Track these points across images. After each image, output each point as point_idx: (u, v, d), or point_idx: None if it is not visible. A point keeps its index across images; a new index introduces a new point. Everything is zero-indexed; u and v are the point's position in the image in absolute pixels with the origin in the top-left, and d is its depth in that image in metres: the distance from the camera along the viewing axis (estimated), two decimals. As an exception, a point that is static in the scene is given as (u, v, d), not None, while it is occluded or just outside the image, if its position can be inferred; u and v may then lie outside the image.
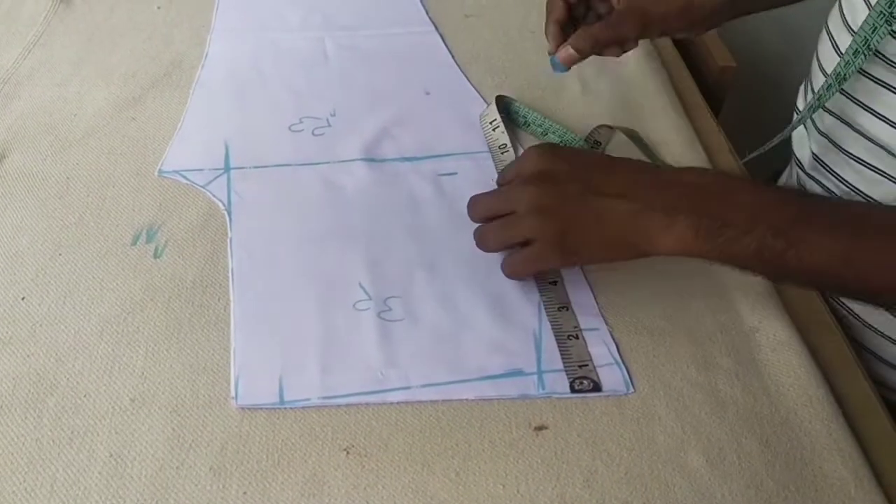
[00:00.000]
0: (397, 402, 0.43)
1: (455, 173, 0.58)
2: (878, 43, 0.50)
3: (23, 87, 0.64)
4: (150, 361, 0.45)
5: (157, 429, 0.41)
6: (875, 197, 0.55)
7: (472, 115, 0.63)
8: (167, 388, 0.43)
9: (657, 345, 0.47)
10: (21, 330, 0.46)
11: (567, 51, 0.58)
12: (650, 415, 0.43)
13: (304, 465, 0.40)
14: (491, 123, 0.61)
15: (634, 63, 0.69)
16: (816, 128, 0.59)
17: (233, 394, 0.43)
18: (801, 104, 0.64)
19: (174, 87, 0.65)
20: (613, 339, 0.47)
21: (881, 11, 0.49)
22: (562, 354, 0.46)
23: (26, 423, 0.41)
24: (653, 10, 0.57)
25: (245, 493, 0.39)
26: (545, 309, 0.48)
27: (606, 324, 0.48)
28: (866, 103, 0.54)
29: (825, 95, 0.54)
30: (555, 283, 0.50)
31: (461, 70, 0.69)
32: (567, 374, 0.45)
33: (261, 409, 0.43)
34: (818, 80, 0.58)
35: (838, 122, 0.56)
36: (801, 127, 0.62)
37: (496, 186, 0.50)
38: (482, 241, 0.49)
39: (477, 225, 0.49)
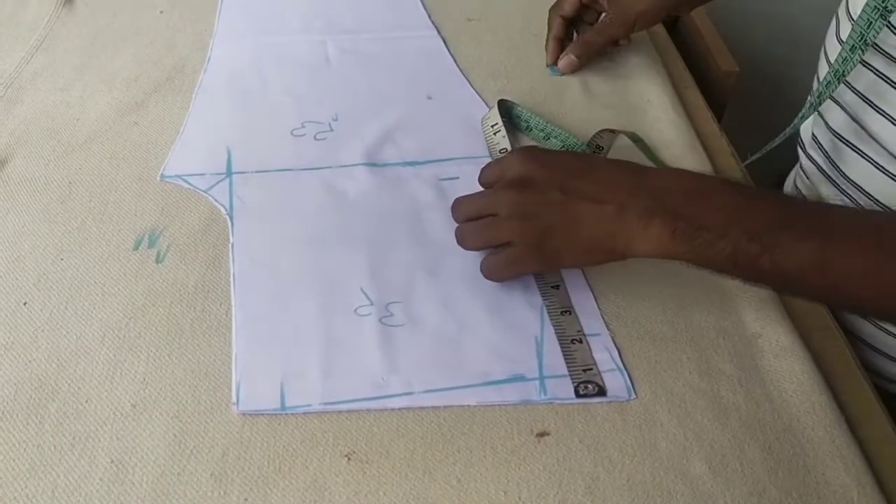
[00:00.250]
0: (399, 408, 0.43)
1: (457, 178, 0.58)
2: (875, 37, 0.50)
3: (25, 91, 0.64)
4: (151, 367, 0.45)
5: (158, 435, 0.41)
6: (880, 199, 0.55)
7: (474, 120, 0.63)
8: (168, 394, 0.43)
9: (659, 351, 0.47)
10: (23, 335, 0.46)
11: (568, 59, 0.65)
12: (652, 421, 0.43)
13: (306, 471, 0.40)
14: (492, 127, 0.61)
15: (637, 67, 0.69)
16: (827, 125, 0.59)
17: (234, 399, 0.43)
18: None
19: (176, 91, 0.65)
20: (615, 345, 0.47)
21: (875, 6, 0.49)
22: (566, 359, 0.46)
23: (28, 428, 0.41)
24: (635, 10, 0.65)
25: (246, 499, 0.39)
26: (548, 313, 0.48)
27: (608, 329, 0.48)
28: (872, 100, 0.54)
29: (825, 92, 0.54)
30: (557, 287, 0.50)
31: (463, 74, 0.69)
32: (572, 379, 0.45)
33: (262, 414, 0.43)
34: (822, 74, 0.58)
35: (849, 119, 0.56)
36: (811, 125, 0.62)
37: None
38: (462, 240, 0.49)
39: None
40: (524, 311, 0.49)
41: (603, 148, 0.59)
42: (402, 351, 0.46)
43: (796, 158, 0.66)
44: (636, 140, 0.59)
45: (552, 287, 0.50)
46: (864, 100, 0.54)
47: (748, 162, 0.63)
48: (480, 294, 0.49)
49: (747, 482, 0.41)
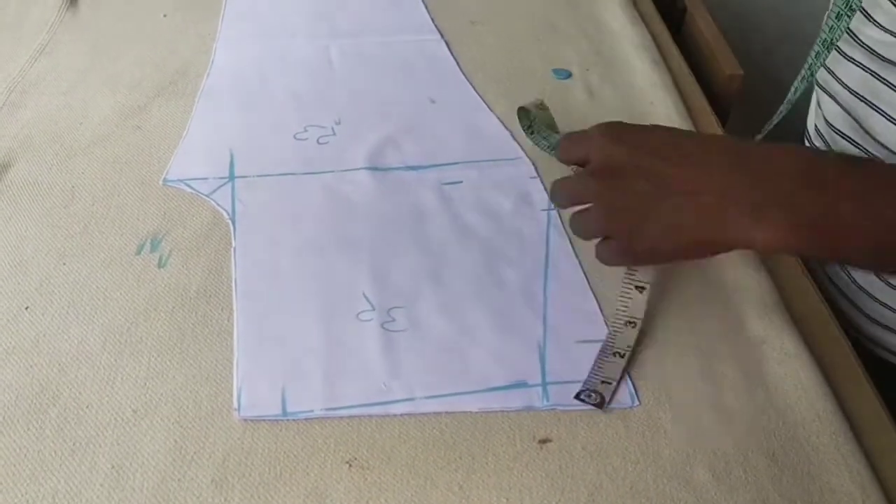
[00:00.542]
0: (400, 414, 0.43)
1: (460, 182, 0.58)
2: (860, 3, 0.49)
3: (28, 95, 0.64)
4: (152, 372, 0.45)
5: (159, 440, 0.41)
6: None
7: (478, 124, 0.63)
8: (169, 400, 0.43)
9: (663, 357, 0.46)
10: (24, 340, 0.46)
11: None
12: (656, 428, 0.43)
13: (307, 477, 0.40)
14: (528, 129, 0.60)
15: (640, 70, 0.69)
16: (826, 119, 0.59)
17: (235, 405, 0.43)
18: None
19: (179, 95, 0.65)
20: (619, 351, 0.47)
21: None
22: (595, 367, 0.45)
23: (28, 434, 0.41)
24: None
25: (247, 506, 0.39)
26: (612, 318, 0.47)
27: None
28: (864, 96, 0.54)
29: (815, 62, 0.53)
30: (642, 289, 0.46)
31: (466, 78, 0.68)
32: (583, 384, 0.44)
33: (263, 420, 0.43)
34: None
35: (844, 113, 0.57)
36: (813, 117, 0.62)
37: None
38: (574, 231, 0.47)
39: None
40: (527, 316, 0.48)
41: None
42: (404, 356, 0.46)
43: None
44: (543, 108, 0.57)
45: (637, 288, 0.46)
46: (856, 95, 0.55)
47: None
48: (483, 299, 0.49)
49: (751, 490, 0.40)
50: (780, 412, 0.44)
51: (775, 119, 0.58)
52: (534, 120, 0.60)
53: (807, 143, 0.64)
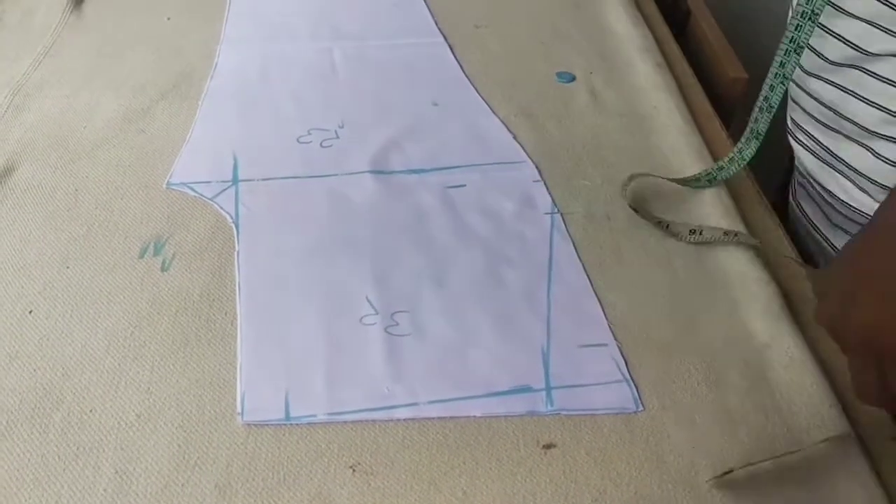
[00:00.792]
0: (404, 419, 0.43)
1: (463, 185, 0.58)
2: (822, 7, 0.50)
3: (32, 98, 0.64)
4: (156, 376, 0.45)
5: (162, 445, 0.41)
6: (872, 175, 0.55)
7: (481, 127, 0.63)
8: (173, 404, 0.43)
9: (667, 362, 0.46)
10: (28, 344, 0.46)
11: None
12: (660, 433, 0.43)
13: (310, 482, 0.40)
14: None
15: (644, 74, 0.69)
16: (805, 111, 0.60)
17: (238, 410, 0.43)
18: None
19: (183, 98, 0.65)
20: (622, 356, 0.46)
21: None
22: None
23: (32, 438, 0.41)
24: None
25: (250, 511, 0.39)
26: None
27: (615, 339, 0.47)
28: (839, 83, 0.54)
29: (786, 60, 0.53)
30: None
31: (470, 81, 0.68)
32: None
33: (266, 425, 0.42)
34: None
35: (818, 105, 0.57)
36: (789, 112, 0.63)
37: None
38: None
39: None
40: (530, 320, 0.48)
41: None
42: (408, 361, 0.46)
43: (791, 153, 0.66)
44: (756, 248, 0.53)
45: None
46: (826, 82, 0.55)
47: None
48: (486, 304, 0.49)
49: (755, 496, 0.40)
50: (785, 417, 0.44)
51: (755, 116, 0.57)
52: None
53: (791, 142, 0.64)
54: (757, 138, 0.56)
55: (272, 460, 0.41)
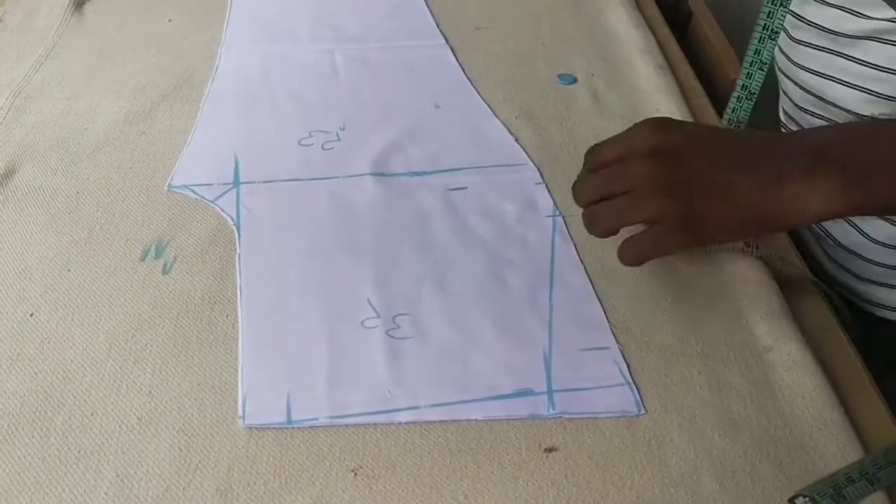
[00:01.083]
0: (405, 423, 0.43)
1: (465, 188, 0.58)
2: None
3: (33, 100, 0.64)
4: (157, 379, 0.44)
5: (163, 448, 0.41)
6: None
7: (482, 129, 0.63)
8: (174, 407, 0.43)
9: (669, 365, 0.46)
10: (29, 347, 0.46)
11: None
12: (662, 437, 0.43)
13: (312, 486, 0.40)
14: None
15: (645, 75, 0.69)
16: (791, 101, 0.61)
17: (240, 413, 0.43)
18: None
19: (184, 100, 0.65)
20: (624, 359, 0.46)
21: None
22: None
23: (33, 441, 0.41)
24: None
25: (252, 514, 0.39)
26: None
27: (617, 343, 0.47)
28: (820, 71, 0.55)
29: (760, 48, 0.53)
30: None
31: (471, 83, 0.68)
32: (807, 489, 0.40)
33: (268, 428, 0.42)
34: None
35: (804, 93, 0.58)
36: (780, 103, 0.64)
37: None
38: (596, 222, 0.45)
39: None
40: (532, 323, 0.48)
41: None
42: (409, 364, 0.46)
43: None
44: None
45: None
46: (812, 72, 0.56)
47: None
48: (488, 307, 0.49)
49: (758, 499, 0.40)
50: (787, 420, 0.44)
51: (733, 106, 0.57)
52: None
53: (783, 131, 0.64)
54: (738, 127, 0.56)
55: (273, 464, 0.41)
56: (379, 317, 0.48)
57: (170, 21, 0.75)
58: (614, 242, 0.46)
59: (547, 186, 0.58)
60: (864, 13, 0.50)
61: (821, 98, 0.56)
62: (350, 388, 0.44)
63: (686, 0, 0.82)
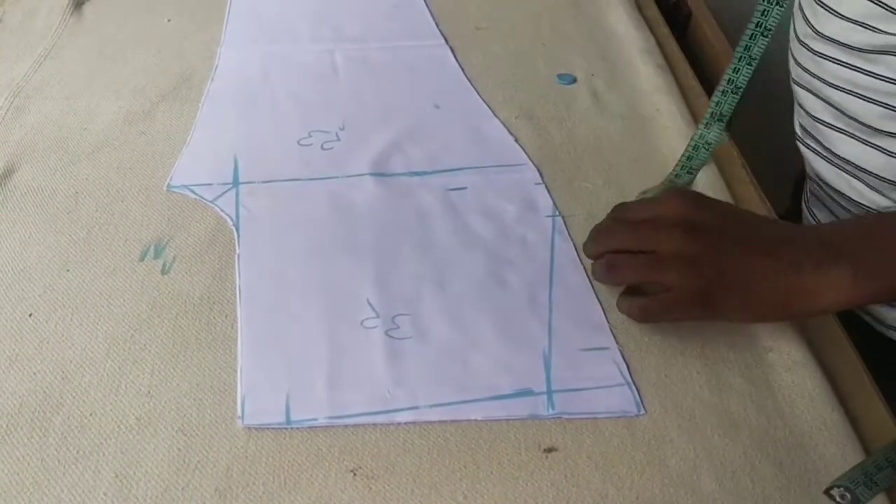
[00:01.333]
0: (405, 423, 0.43)
1: (465, 188, 0.58)
2: None
3: (33, 100, 0.64)
4: (156, 379, 0.44)
5: (162, 449, 0.41)
6: (873, 170, 0.55)
7: (482, 129, 0.63)
8: (173, 408, 0.43)
9: (669, 365, 0.46)
10: (28, 347, 0.46)
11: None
12: (662, 437, 0.43)
13: (311, 486, 0.40)
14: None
15: (645, 76, 0.69)
16: (806, 112, 0.60)
17: (239, 413, 0.43)
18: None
19: (184, 100, 0.65)
20: (624, 359, 0.46)
21: None
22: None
23: (32, 442, 0.41)
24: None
25: (251, 515, 0.39)
26: None
27: (617, 343, 0.47)
28: (836, 83, 0.55)
29: (751, 44, 0.54)
30: None
31: (471, 83, 0.68)
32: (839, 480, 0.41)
33: (267, 429, 0.42)
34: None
35: (822, 102, 0.57)
36: (796, 115, 0.63)
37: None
38: (616, 272, 0.47)
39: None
40: (532, 323, 0.48)
41: None
42: (409, 364, 0.46)
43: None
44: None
45: None
46: (831, 86, 0.55)
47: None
48: (487, 307, 0.49)
49: (758, 499, 0.40)
50: (787, 420, 0.44)
51: (717, 99, 0.57)
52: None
53: (798, 144, 0.64)
54: (720, 120, 0.56)
55: (273, 464, 0.41)
56: (378, 317, 0.48)
57: (169, 21, 0.75)
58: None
59: (547, 186, 0.58)
60: (878, 27, 0.50)
61: (842, 112, 0.55)
62: (349, 389, 0.44)
63: (686, 0, 0.82)
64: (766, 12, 0.51)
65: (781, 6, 0.50)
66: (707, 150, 0.57)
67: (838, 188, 0.59)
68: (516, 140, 0.62)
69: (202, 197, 0.56)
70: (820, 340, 0.48)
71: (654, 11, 0.81)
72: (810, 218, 0.65)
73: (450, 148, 0.61)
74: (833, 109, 0.56)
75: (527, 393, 0.44)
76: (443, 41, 0.73)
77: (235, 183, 0.57)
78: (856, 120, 0.54)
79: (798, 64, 0.59)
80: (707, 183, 0.57)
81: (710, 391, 0.45)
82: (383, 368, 0.45)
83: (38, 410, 0.43)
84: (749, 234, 0.45)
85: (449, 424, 0.43)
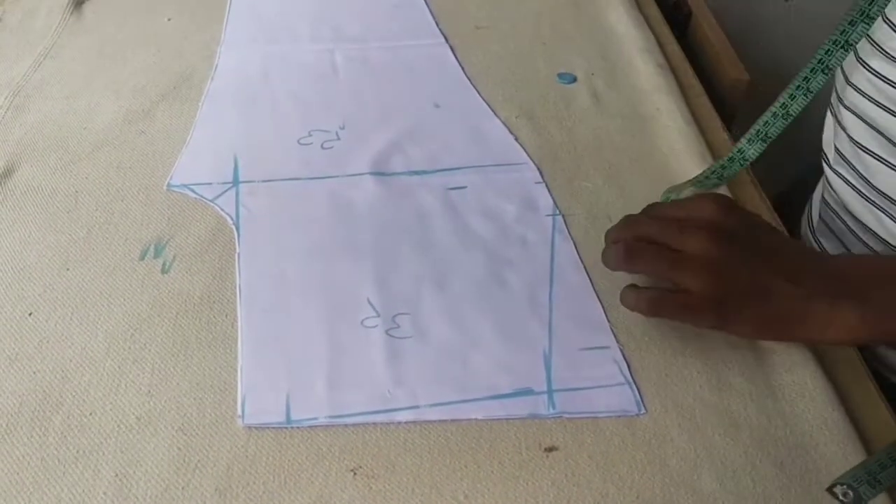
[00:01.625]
0: (405, 422, 0.43)
1: (465, 187, 0.58)
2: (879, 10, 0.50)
3: (32, 99, 0.64)
4: (156, 378, 0.44)
5: (162, 448, 0.41)
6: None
7: (482, 129, 0.63)
8: (173, 407, 0.43)
9: (669, 364, 0.46)
10: (28, 346, 0.46)
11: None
12: (662, 436, 0.43)
13: (311, 486, 0.40)
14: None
15: (645, 75, 0.69)
16: (850, 137, 0.58)
17: (239, 413, 0.43)
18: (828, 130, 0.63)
19: (184, 100, 0.65)
20: (624, 358, 0.46)
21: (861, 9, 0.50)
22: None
23: (31, 441, 0.41)
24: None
25: (251, 514, 0.39)
26: None
27: (617, 342, 0.47)
28: (891, 108, 0.53)
29: (826, 58, 0.53)
30: None
31: (471, 83, 0.68)
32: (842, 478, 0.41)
33: (267, 428, 0.42)
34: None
35: (869, 129, 0.56)
36: (833, 138, 0.61)
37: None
38: (635, 258, 0.46)
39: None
40: (532, 323, 0.48)
41: None
42: (409, 363, 0.46)
43: (820, 172, 0.65)
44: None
45: None
46: (881, 108, 0.54)
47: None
48: (488, 306, 0.49)
49: (759, 499, 0.40)
50: (788, 420, 0.44)
51: (766, 119, 0.56)
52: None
53: (825, 166, 0.62)
54: (764, 141, 0.55)
55: (273, 463, 0.41)
56: (379, 316, 0.48)
57: (169, 20, 0.75)
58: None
59: (547, 186, 0.58)
60: None
61: (890, 140, 0.53)
62: (350, 388, 0.44)
63: (686, 0, 0.82)
64: (829, 52, 0.51)
65: (846, 50, 0.50)
66: (742, 164, 0.57)
67: (864, 221, 0.57)
68: (516, 139, 0.62)
69: (202, 196, 0.56)
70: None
71: (654, 11, 0.81)
72: (815, 246, 0.64)
73: (450, 147, 0.61)
74: (881, 138, 0.54)
75: (527, 392, 0.44)
76: (443, 40, 0.73)
77: (235, 182, 0.57)
78: None
79: (850, 84, 0.57)
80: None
81: (710, 390, 0.45)
82: (384, 368, 0.45)
83: (38, 409, 0.43)
84: (775, 252, 0.45)
85: (449, 424, 0.43)
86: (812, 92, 0.52)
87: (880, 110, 0.54)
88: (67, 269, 0.50)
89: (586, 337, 0.48)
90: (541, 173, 0.59)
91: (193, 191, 0.56)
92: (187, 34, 0.73)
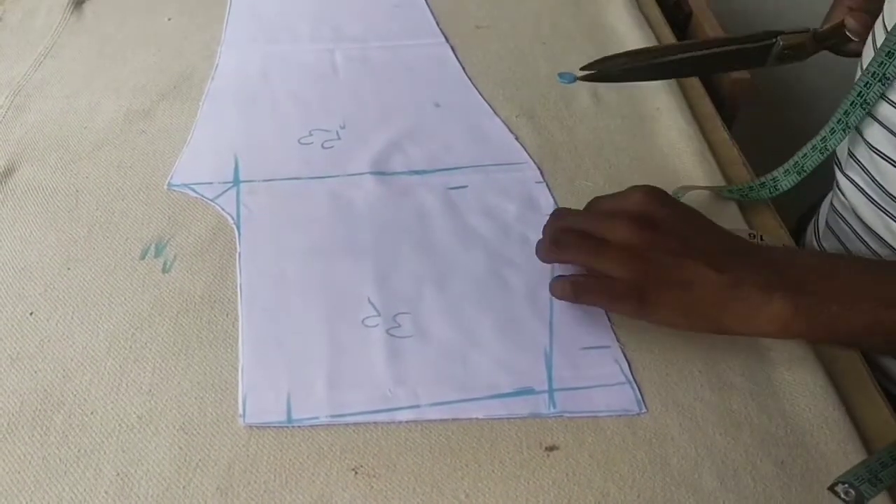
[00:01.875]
0: (406, 421, 0.43)
1: (465, 186, 0.58)
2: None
3: (33, 99, 0.64)
4: (157, 378, 0.44)
5: (163, 447, 0.41)
6: None
7: (483, 128, 0.63)
8: (174, 406, 0.43)
9: (670, 364, 0.46)
10: (29, 345, 0.46)
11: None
12: (663, 435, 0.43)
13: (312, 485, 0.40)
14: None
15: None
16: (867, 143, 0.56)
17: (240, 412, 0.43)
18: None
19: (184, 99, 0.65)
20: (625, 357, 0.46)
21: None
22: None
23: (33, 440, 0.41)
24: None
25: (252, 513, 0.39)
26: None
27: (618, 341, 0.47)
28: None
29: (865, 91, 0.52)
30: None
31: (471, 82, 0.68)
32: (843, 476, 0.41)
33: (268, 427, 0.42)
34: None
35: (890, 135, 0.54)
36: (847, 143, 0.61)
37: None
38: (558, 248, 0.47)
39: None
40: (533, 322, 0.48)
41: None
42: (410, 363, 0.46)
43: (832, 178, 0.64)
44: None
45: None
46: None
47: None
48: (488, 305, 0.49)
49: (759, 498, 0.40)
50: (789, 419, 0.44)
51: (804, 152, 0.55)
52: None
53: (836, 171, 0.62)
54: (799, 173, 0.55)
55: (274, 463, 0.41)
56: (379, 315, 0.48)
57: (169, 20, 0.75)
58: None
59: (547, 185, 0.58)
60: None
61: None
62: (350, 387, 0.44)
63: (686, 0, 0.82)
64: (868, 85, 0.51)
65: (884, 84, 0.49)
66: (772, 193, 0.56)
67: (873, 227, 0.56)
68: (517, 138, 0.62)
69: (203, 195, 0.56)
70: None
71: (654, 11, 0.81)
72: (816, 248, 0.64)
73: (450, 147, 0.61)
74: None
75: (528, 391, 0.44)
76: (443, 40, 0.73)
77: (236, 181, 0.57)
78: None
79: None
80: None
81: (711, 389, 0.45)
82: (384, 367, 0.45)
83: (40, 409, 0.43)
84: (701, 240, 0.45)
85: (450, 423, 0.43)
86: (850, 127, 0.52)
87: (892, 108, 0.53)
88: (68, 269, 0.50)
89: (587, 336, 0.48)
90: (541, 172, 0.59)
91: (194, 190, 0.56)
92: (187, 34, 0.73)
